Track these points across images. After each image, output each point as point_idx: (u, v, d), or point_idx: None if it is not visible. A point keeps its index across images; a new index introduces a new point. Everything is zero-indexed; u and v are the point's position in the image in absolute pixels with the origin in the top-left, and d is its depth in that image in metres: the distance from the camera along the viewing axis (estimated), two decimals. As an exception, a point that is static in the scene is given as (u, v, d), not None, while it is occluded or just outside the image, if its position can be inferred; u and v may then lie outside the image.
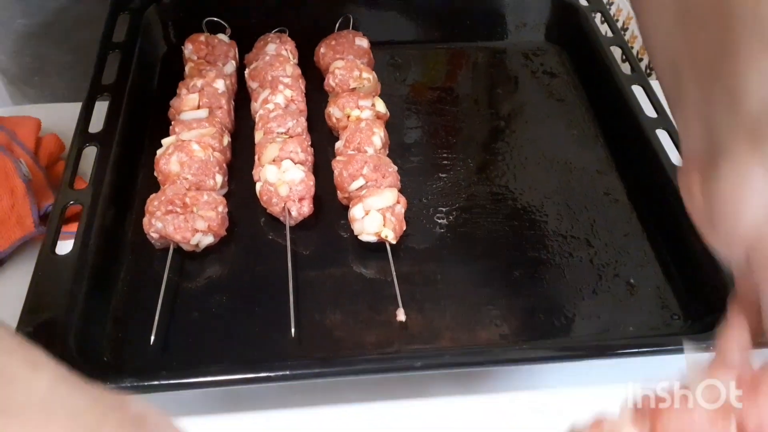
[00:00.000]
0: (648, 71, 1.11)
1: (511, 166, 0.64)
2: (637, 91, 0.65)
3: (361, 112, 0.62)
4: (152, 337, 0.48)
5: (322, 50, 0.69)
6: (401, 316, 0.50)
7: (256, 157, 0.59)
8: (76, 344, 0.46)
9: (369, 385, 0.48)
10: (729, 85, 0.33)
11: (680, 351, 0.48)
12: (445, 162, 0.64)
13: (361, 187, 0.56)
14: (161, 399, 0.47)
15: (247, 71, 0.67)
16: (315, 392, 0.48)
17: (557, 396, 0.48)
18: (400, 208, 0.55)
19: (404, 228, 0.55)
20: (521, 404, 0.48)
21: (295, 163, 0.57)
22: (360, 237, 0.54)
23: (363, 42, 0.69)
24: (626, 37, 1.18)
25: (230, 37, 0.71)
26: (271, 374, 0.45)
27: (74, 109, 0.61)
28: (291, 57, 0.68)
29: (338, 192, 0.58)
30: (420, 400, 0.48)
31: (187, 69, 0.66)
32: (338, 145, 0.61)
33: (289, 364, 0.45)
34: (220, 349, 0.49)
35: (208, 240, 0.54)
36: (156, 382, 0.44)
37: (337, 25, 0.71)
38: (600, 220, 0.59)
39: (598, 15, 0.77)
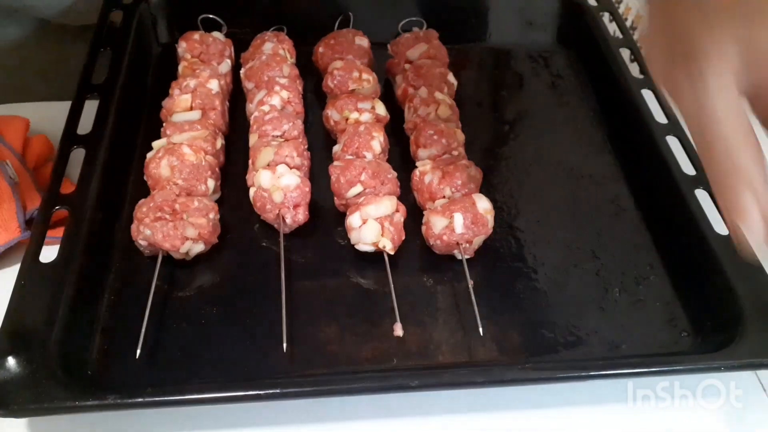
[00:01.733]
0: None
1: (515, 172, 0.62)
2: (647, 95, 0.63)
3: (360, 115, 0.60)
4: (138, 350, 0.46)
5: (320, 50, 0.67)
6: (399, 331, 0.48)
7: (250, 161, 0.57)
8: (58, 357, 0.44)
9: (364, 403, 0.46)
10: None
11: (691, 371, 0.47)
12: (447, 167, 0.61)
13: (359, 194, 0.54)
14: (147, 415, 0.45)
15: (242, 71, 0.65)
16: (307, 409, 0.46)
17: (559, 415, 0.47)
18: (400, 217, 0.53)
19: (403, 238, 0.53)
20: (522, 424, 0.46)
21: (291, 168, 0.55)
22: (357, 246, 0.52)
23: (363, 41, 0.67)
24: (635, 37, 1.16)
25: (226, 35, 0.69)
26: (261, 392, 0.43)
27: (65, 108, 0.59)
28: (288, 56, 0.66)
29: (335, 198, 0.56)
30: (417, 418, 0.46)
31: (180, 68, 0.64)
32: (336, 149, 0.59)
33: (280, 382, 0.43)
34: (208, 363, 0.47)
35: (198, 248, 0.52)
36: (141, 399, 0.42)
37: (337, 23, 0.69)
38: (607, 230, 0.57)
39: (607, 15, 0.74)
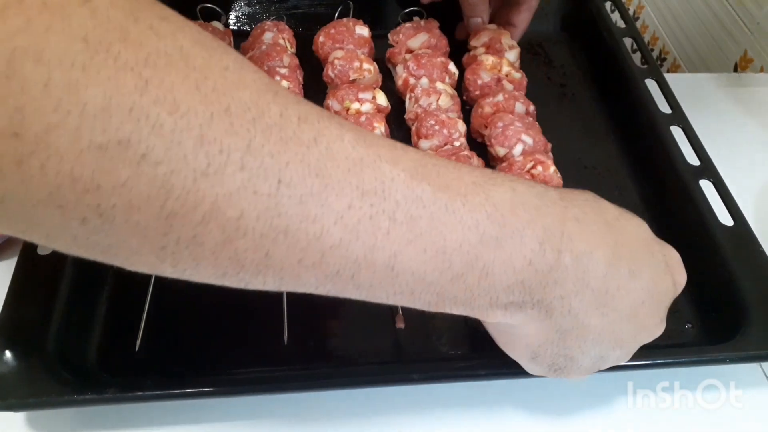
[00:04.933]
0: (660, 63, 1.08)
1: (518, 163, 0.61)
2: (651, 85, 0.62)
3: (361, 105, 0.59)
4: (137, 343, 0.45)
5: (320, 39, 0.66)
6: (400, 323, 0.47)
7: (251, 151, 0.56)
8: (57, 350, 0.43)
9: (366, 397, 0.46)
10: None
11: (695, 363, 0.46)
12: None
13: (359, 185, 0.53)
14: (147, 409, 0.45)
15: (242, 61, 0.64)
16: (308, 402, 0.46)
17: (559, 410, 0.46)
18: (401, 208, 0.52)
19: (405, 229, 0.52)
20: (521, 418, 0.46)
21: (291, 159, 0.54)
22: (358, 238, 0.52)
23: (364, 31, 0.66)
24: (637, 26, 1.15)
25: (226, 25, 0.68)
26: (262, 385, 0.43)
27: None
28: (289, 46, 0.66)
29: (336, 189, 0.55)
30: (420, 410, 0.46)
31: (179, 58, 0.63)
32: (337, 139, 0.58)
33: (281, 375, 0.43)
34: (208, 356, 0.46)
35: (198, 240, 0.51)
36: (140, 393, 0.42)
37: (337, 13, 0.68)
38: (610, 221, 0.56)
39: (609, 4, 0.74)
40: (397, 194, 0.29)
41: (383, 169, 0.29)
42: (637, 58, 0.67)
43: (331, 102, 0.60)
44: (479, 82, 0.63)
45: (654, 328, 0.40)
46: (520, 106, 0.61)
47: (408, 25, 0.67)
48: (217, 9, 0.68)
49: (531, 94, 0.65)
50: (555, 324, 0.36)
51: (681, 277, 0.41)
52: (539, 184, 0.36)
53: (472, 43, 0.67)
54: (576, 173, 0.60)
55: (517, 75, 0.64)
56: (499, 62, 0.64)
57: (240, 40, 0.67)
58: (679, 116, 0.59)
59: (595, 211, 0.37)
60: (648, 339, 0.40)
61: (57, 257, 0.47)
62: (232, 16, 0.71)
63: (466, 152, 0.56)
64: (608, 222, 0.37)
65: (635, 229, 0.39)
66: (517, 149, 0.57)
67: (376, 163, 0.29)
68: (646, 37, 1.14)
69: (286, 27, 0.67)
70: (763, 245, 0.50)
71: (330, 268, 0.29)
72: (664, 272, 0.38)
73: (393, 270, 0.30)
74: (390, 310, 0.48)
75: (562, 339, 0.37)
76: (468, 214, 0.31)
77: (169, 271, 0.29)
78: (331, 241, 0.28)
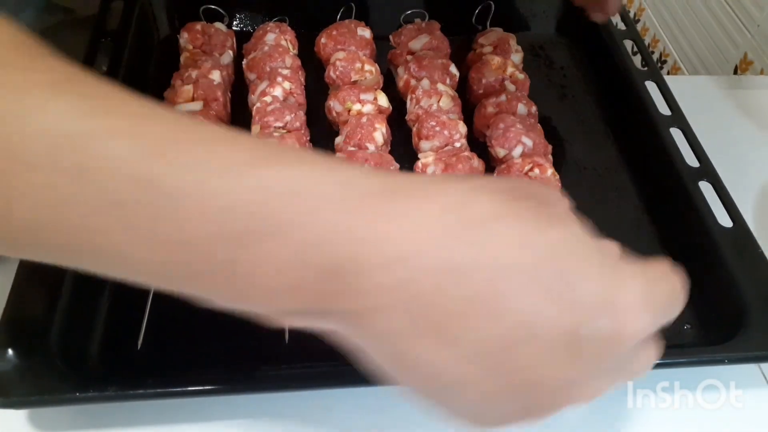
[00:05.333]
0: (660, 65, 1.08)
1: (518, 164, 0.61)
2: (651, 87, 0.63)
3: (363, 107, 0.60)
4: (139, 342, 0.46)
5: (322, 40, 0.66)
6: (401, 322, 0.47)
7: (252, 152, 0.56)
8: (59, 348, 0.44)
9: (366, 395, 0.46)
10: None
11: (694, 364, 0.46)
12: (450, 159, 0.61)
13: (360, 185, 0.54)
14: (148, 406, 0.45)
15: (244, 62, 0.65)
16: (309, 400, 0.46)
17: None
18: (402, 209, 0.53)
19: (405, 230, 0.52)
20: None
21: (293, 160, 0.54)
22: (359, 239, 0.52)
23: (365, 32, 0.67)
24: (638, 29, 1.16)
25: (228, 26, 0.68)
26: (263, 384, 0.43)
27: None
28: (291, 47, 0.66)
29: (337, 190, 0.55)
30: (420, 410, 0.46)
31: (182, 59, 0.64)
32: (338, 140, 0.58)
33: (282, 374, 0.43)
34: (210, 355, 0.47)
35: (200, 239, 0.51)
36: (141, 391, 0.42)
37: (339, 14, 0.69)
38: (609, 223, 0.56)
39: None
40: (114, 174, 0.25)
41: (105, 146, 0.25)
42: (637, 60, 0.67)
43: (333, 103, 0.61)
44: (483, 81, 0.64)
45: (560, 389, 0.28)
46: (522, 107, 0.61)
47: (410, 26, 0.68)
48: (220, 10, 0.69)
49: (531, 96, 0.65)
50: (371, 344, 0.29)
51: (629, 322, 0.28)
52: (363, 167, 0.29)
53: (481, 41, 0.68)
54: (575, 175, 0.61)
55: (521, 76, 0.64)
56: (504, 63, 0.64)
57: (242, 41, 0.68)
58: (678, 118, 0.59)
59: (449, 208, 0.27)
60: (555, 403, 0.28)
61: (60, 256, 0.48)
62: (235, 17, 0.71)
63: (467, 153, 0.57)
64: (465, 224, 0.27)
65: (516, 239, 0.27)
66: (517, 151, 0.57)
67: (96, 140, 0.25)
68: (647, 40, 1.14)
69: (288, 28, 0.67)
70: (761, 246, 0.50)
71: (38, 250, 0.28)
72: (568, 307, 0.27)
73: (117, 256, 0.27)
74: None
75: (399, 366, 0.29)
76: (212, 201, 0.26)
77: None
78: (22, 221, 0.26)
